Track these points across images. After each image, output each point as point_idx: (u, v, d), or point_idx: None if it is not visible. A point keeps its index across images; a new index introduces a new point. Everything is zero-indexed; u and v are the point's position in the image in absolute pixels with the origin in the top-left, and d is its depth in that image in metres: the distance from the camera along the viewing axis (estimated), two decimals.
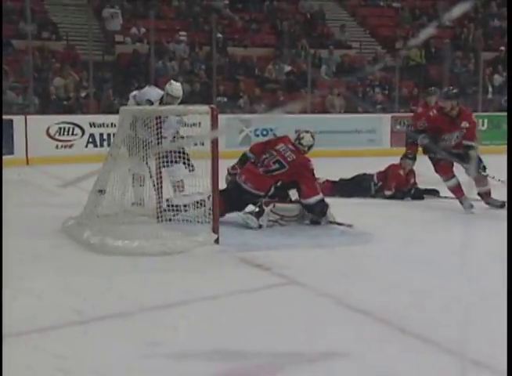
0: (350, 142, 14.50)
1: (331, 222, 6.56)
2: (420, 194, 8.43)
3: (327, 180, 8.46)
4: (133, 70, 15.56)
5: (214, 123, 5.72)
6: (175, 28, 17.67)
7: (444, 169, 7.43)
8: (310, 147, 6.85)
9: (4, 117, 12.59)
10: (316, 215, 6.58)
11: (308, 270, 4.95)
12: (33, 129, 12.58)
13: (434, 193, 8.42)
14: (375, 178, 8.55)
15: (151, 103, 7.16)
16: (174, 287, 4.46)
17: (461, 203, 7.38)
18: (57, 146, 12.80)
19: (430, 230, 6.40)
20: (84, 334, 3.58)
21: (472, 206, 7.27)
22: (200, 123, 7.33)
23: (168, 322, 3.79)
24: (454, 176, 7.40)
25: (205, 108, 5.87)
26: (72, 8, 17.83)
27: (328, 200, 6.70)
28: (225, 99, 15.48)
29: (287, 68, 17.15)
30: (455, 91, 7.56)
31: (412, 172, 8.53)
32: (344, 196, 8.22)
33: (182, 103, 7.17)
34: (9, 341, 3.42)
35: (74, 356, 3.28)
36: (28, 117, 12.68)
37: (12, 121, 12.50)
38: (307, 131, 6.95)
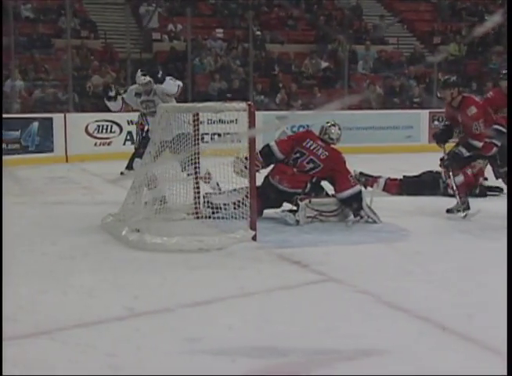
0: (387, 138, 14.41)
1: (367, 218, 6.51)
2: (483, 192, 8.18)
3: (389, 178, 8.35)
4: (170, 67, 15.65)
5: (252, 120, 5.72)
6: (212, 25, 17.74)
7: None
8: (338, 139, 6.87)
9: (43, 115, 12.81)
10: (350, 208, 6.56)
11: (346, 267, 4.92)
12: (72, 127, 12.75)
13: (497, 190, 8.17)
14: (443, 175, 8.33)
15: (139, 95, 7.40)
16: (212, 284, 4.47)
17: (459, 201, 6.83)
18: (96, 144, 12.95)
19: (472, 230, 6.28)
20: (136, 331, 3.59)
21: (458, 211, 6.74)
22: (236, 120, 7.33)
23: (207, 318, 3.80)
24: (460, 174, 6.90)
25: (242, 105, 5.86)
26: (110, 6, 18.01)
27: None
28: (262, 97, 15.49)
29: (324, 64, 17.10)
30: (453, 78, 6.93)
31: (481, 171, 8.21)
32: (412, 194, 8.07)
33: (219, 100, 7.22)
34: (59, 337, 3.46)
35: (124, 353, 3.29)
36: (67, 115, 12.84)
37: (51, 119, 12.68)
38: (333, 125, 6.91)
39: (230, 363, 3.16)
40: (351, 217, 6.53)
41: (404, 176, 8.51)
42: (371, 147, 13.65)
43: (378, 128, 14.57)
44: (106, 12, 18.03)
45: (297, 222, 6.35)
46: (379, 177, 8.37)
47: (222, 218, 6.13)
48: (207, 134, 11.27)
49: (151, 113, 7.31)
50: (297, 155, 6.69)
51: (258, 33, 17.42)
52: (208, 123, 10.31)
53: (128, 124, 13.05)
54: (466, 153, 6.69)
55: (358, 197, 6.51)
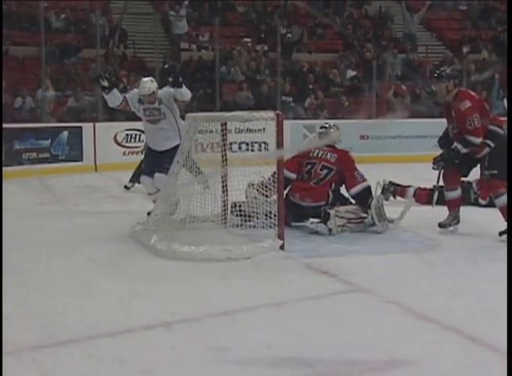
0: (416, 147, 14.30)
1: (371, 219, 6.46)
2: None
3: (419, 188, 8.29)
4: (199, 76, 15.74)
5: (279, 129, 5.73)
6: (240, 34, 17.82)
7: (451, 177, 6.58)
8: (339, 139, 7.02)
9: (73, 124, 12.94)
10: (360, 204, 6.57)
11: (374, 277, 4.90)
12: (101, 136, 12.84)
13: None
14: (474, 186, 8.13)
15: (142, 102, 7.07)
16: (239, 293, 4.48)
17: (449, 215, 6.60)
18: (124, 153, 13.04)
19: (502, 240, 6.21)
20: (165, 341, 3.59)
21: (450, 225, 6.56)
22: (264, 129, 7.34)
23: (235, 328, 3.80)
24: (458, 188, 6.61)
25: (270, 114, 5.86)
26: (140, 16, 18.18)
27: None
28: (290, 99, 15.49)
29: (352, 73, 17.07)
30: (448, 70, 6.60)
31: None
32: (442, 204, 7.97)
33: (248, 108, 7.19)
34: (88, 346, 3.49)
35: (153, 362, 3.30)
36: (97, 124, 12.95)
37: (81, 128, 12.80)
38: (330, 127, 7.04)
39: (258, 373, 3.16)
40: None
41: (434, 186, 8.42)
42: (399, 156, 13.58)
43: (406, 137, 14.48)
44: (135, 21, 18.22)
45: (330, 230, 6.31)
46: (408, 186, 8.30)
47: (253, 227, 6.14)
48: (234, 143, 11.35)
49: (154, 121, 7.05)
50: (309, 167, 6.74)
51: (289, 35, 17.50)
52: (236, 132, 10.37)
53: None
54: (462, 150, 6.26)
55: (367, 192, 6.61)
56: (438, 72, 6.53)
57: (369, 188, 6.67)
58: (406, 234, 6.43)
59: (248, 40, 17.62)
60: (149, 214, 6.84)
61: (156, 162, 6.95)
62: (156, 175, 6.88)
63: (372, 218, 6.45)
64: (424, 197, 8.16)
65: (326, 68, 17.31)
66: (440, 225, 6.54)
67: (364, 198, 6.57)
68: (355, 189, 6.61)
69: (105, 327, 3.77)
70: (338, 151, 6.85)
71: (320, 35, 18.96)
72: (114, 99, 7.09)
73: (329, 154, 6.75)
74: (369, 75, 15.96)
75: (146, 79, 7.12)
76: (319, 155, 6.76)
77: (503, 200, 6.04)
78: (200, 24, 18.14)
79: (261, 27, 18.29)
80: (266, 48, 17.26)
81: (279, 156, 5.73)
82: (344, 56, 17.85)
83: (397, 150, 14.07)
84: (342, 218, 6.43)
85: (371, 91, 15.74)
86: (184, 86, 6.80)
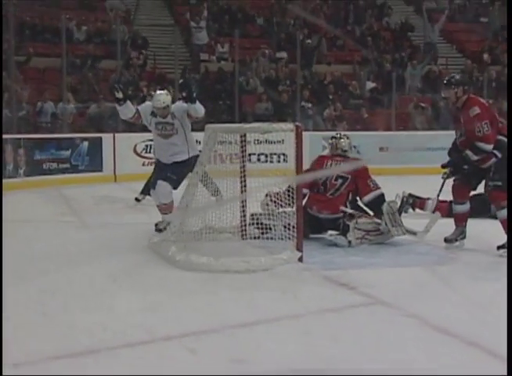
0: (436, 159, 14.19)
1: (385, 225, 6.42)
2: None
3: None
4: (218, 87, 15.79)
5: (299, 141, 5.72)
6: (259, 46, 17.88)
7: (460, 190, 6.42)
8: (351, 147, 7.04)
9: (93, 135, 13.03)
10: (373, 211, 6.58)
11: (393, 290, 4.86)
12: (121, 147, 12.91)
13: None
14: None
15: (155, 115, 7.02)
16: (257, 305, 4.46)
17: (456, 230, 6.44)
18: (143, 164, 13.08)
19: None
20: (181, 352, 3.59)
21: (456, 240, 6.37)
22: (283, 140, 7.32)
23: (253, 340, 3.79)
24: (467, 202, 6.43)
25: (289, 126, 5.86)
26: (160, 27, 18.30)
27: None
28: (309, 105, 15.49)
29: (371, 85, 17.05)
30: (458, 77, 6.47)
31: None
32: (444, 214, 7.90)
33: (267, 119, 7.17)
34: (104, 357, 3.49)
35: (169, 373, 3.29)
36: (116, 134, 13.01)
37: (101, 138, 12.88)
38: (340, 137, 7.04)
39: None
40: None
41: (449, 197, 8.35)
42: (419, 168, 13.50)
43: (426, 149, 14.40)
44: (156, 32, 18.34)
45: (350, 242, 6.30)
46: (428, 199, 8.24)
47: (272, 238, 6.12)
48: (253, 154, 11.36)
49: (165, 135, 7.02)
50: (324, 179, 6.73)
51: (309, 41, 17.53)
52: (255, 143, 10.38)
53: None
54: (473, 156, 6.07)
55: (380, 199, 6.58)
56: (447, 79, 6.43)
57: (382, 195, 6.66)
58: (425, 247, 6.39)
59: (267, 51, 17.66)
60: (156, 225, 6.87)
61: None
62: (159, 182, 6.88)
63: (386, 224, 6.42)
64: (444, 209, 8.08)
65: (346, 79, 17.30)
66: (446, 240, 6.41)
67: (377, 206, 6.56)
68: (368, 197, 6.64)
69: (122, 337, 3.77)
70: (351, 160, 6.91)
71: (340, 46, 18.97)
72: (127, 111, 7.02)
73: (342, 164, 6.77)
74: (389, 87, 15.93)
75: (160, 92, 7.12)
76: (333, 166, 6.79)
77: (505, 213, 5.95)
78: (220, 35, 18.24)
79: (280, 35, 18.36)
80: (285, 55, 17.32)
81: (298, 181, 5.73)
82: (363, 66, 17.85)
83: (417, 162, 14.00)
84: (361, 230, 6.41)
85: (391, 103, 15.70)
86: (198, 102, 6.78)
